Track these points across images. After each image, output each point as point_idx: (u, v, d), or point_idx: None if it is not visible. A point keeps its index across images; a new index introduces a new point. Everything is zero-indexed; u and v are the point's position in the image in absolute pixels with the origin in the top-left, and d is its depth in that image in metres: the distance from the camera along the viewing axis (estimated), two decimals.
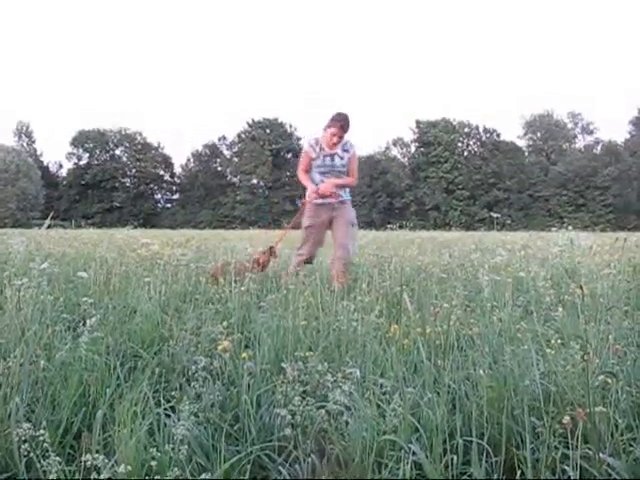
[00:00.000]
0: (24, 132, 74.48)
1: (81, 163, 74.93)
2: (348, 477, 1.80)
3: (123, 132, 76.35)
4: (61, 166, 77.50)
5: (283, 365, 2.40)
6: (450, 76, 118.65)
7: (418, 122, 74.57)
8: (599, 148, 73.07)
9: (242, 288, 4.06)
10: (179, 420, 1.91)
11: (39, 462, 1.69)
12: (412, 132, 75.92)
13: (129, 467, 1.65)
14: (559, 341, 2.70)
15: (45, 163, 75.34)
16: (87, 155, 75.26)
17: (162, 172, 77.71)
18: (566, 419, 1.81)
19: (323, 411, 2.06)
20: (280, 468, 1.87)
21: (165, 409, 2.07)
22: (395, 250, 8.34)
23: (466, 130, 74.86)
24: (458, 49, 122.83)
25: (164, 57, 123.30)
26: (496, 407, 2.11)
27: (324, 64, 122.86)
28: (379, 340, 2.99)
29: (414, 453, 1.79)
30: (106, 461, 1.64)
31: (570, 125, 77.67)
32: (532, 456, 1.80)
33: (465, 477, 1.82)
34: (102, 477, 1.62)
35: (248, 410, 2.09)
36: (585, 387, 2.04)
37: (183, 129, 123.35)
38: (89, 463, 1.63)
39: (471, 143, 75.18)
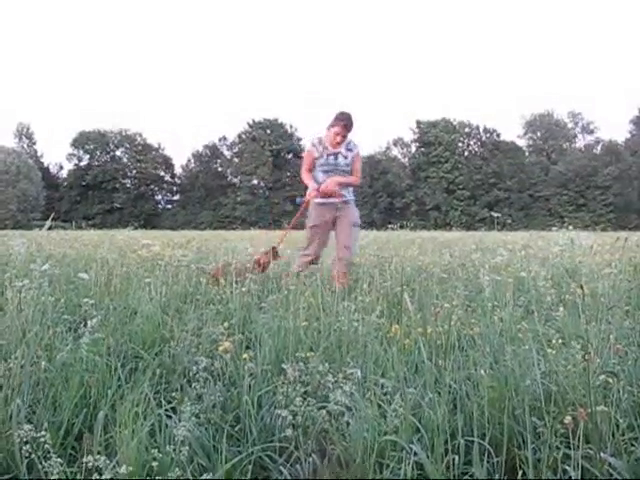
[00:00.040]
0: (24, 133, 74.57)
1: (82, 164, 74.98)
2: (349, 477, 1.79)
3: (123, 133, 76.40)
4: (62, 167, 77.70)
5: (284, 366, 2.40)
6: (450, 76, 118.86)
7: (418, 122, 74.62)
8: (599, 148, 73.03)
9: (243, 289, 4.06)
10: (180, 421, 1.91)
11: (40, 463, 1.70)
12: (412, 132, 76.03)
13: (130, 468, 1.65)
14: (560, 341, 2.70)
15: (46, 164, 75.40)
16: (87, 156, 75.33)
17: (162, 173, 77.75)
18: (567, 419, 1.81)
19: (324, 412, 2.06)
20: (281, 469, 1.87)
21: (166, 410, 2.07)
22: (396, 250, 8.33)
23: (466, 130, 74.86)
24: (458, 49, 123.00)
25: (164, 57, 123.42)
26: (497, 407, 2.11)
27: (324, 64, 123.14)
28: (380, 340, 2.99)
29: (415, 453, 1.79)
30: (107, 462, 1.64)
31: (570, 125, 77.68)
32: (533, 456, 1.80)
33: (466, 477, 1.82)
34: (104, 478, 1.62)
35: (249, 411, 2.09)
36: (586, 387, 2.04)
37: (183, 130, 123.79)
38: (90, 464, 1.63)
39: (471, 143, 75.19)
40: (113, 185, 73.29)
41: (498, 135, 74.82)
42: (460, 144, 74.01)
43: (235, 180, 75.25)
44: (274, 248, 5.68)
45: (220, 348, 2.58)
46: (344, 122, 5.34)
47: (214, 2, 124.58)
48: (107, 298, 4.09)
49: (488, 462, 1.80)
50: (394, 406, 2.03)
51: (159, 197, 77.90)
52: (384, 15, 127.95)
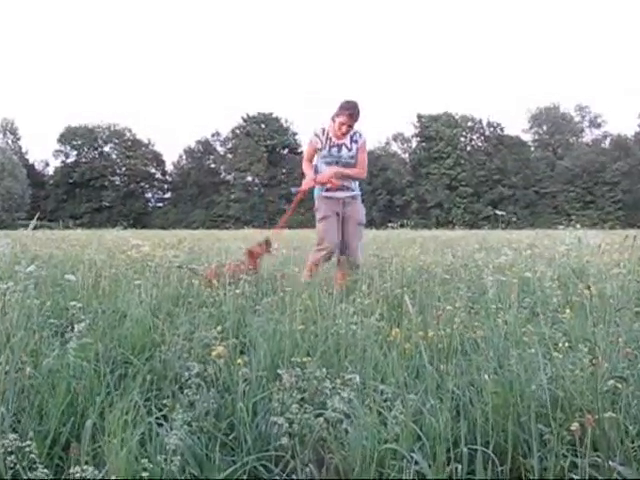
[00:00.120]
0: (9, 129, 74.51)
1: (68, 161, 74.99)
2: None
3: (112, 128, 76.37)
4: (48, 164, 77.68)
5: (280, 371, 2.40)
6: (452, 69, 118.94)
7: (419, 116, 74.74)
8: (608, 142, 73.28)
9: (237, 291, 4.06)
10: (172, 429, 1.90)
11: (26, 474, 1.69)
12: (413, 126, 76.20)
13: (120, 478, 1.65)
14: (567, 344, 2.70)
15: (31, 161, 75.42)
16: (75, 152, 75.35)
17: (153, 170, 77.74)
18: (574, 426, 1.81)
19: (322, 419, 2.06)
20: (277, 479, 1.87)
21: (157, 418, 2.06)
22: (396, 250, 8.34)
23: (469, 124, 74.99)
24: (460, 41, 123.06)
25: (154, 50, 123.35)
26: (502, 414, 2.11)
27: (322, 56, 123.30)
28: (379, 344, 2.98)
29: (416, 462, 1.80)
30: (96, 472, 1.64)
31: (577, 118, 77.84)
32: (539, 465, 1.80)
33: None
34: None
35: (243, 418, 2.08)
36: (594, 392, 2.05)
37: (174, 125, 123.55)
38: (78, 475, 1.63)
39: (474, 138, 75.32)
40: (101, 183, 73.27)
41: (502, 129, 75.02)
42: (462, 139, 74.14)
43: (229, 177, 75.30)
44: (267, 240, 5.68)
45: (213, 353, 2.57)
46: (349, 111, 5.21)
47: None
48: (95, 301, 4.08)
49: (492, 471, 1.81)
50: (394, 413, 2.03)
51: (149, 195, 77.94)
52: (385, 6, 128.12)
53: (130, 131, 76.93)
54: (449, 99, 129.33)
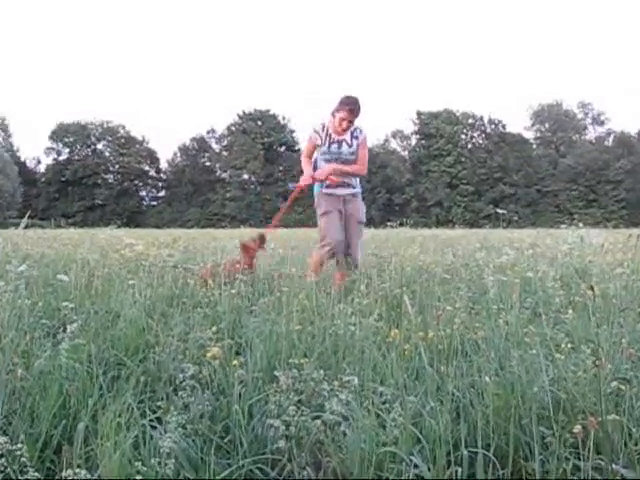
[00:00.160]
0: (0, 126, 74.24)
1: (61, 158, 74.87)
2: None
3: (105, 125, 76.26)
4: (39, 162, 77.53)
5: (276, 373, 2.40)
6: (452, 65, 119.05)
7: (419, 113, 74.74)
8: (611, 139, 73.42)
9: (232, 291, 4.06)
10: (166, 432, 1.90)
11: (17, 478, 1.69)
12: (413, 123, 76.19)
13: None
14: (569, 345, 2.70)
15: (22, 159, 75.22)
16: (67, 150, 75.23)
17: (147, 168, 77.67)
18: (577, 428, 1.81)
19: (319, 421, 2.05)
20: None
21: (151, 420, 2.06)
22: (395, 249, 8.34)
23: (470, 121, 75.02)
24: (460, 37, 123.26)
25: (147, 47, 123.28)
26: (503, 416, 2.11)
27: (320, 53, 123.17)
28: (378, 345, 2.98)
29: (416, 465, 1.80)
30: (88, 476, 1.64)
31: (580, 115, 77.93)
32: (541, 468, 1.80)
33: None
34: None
35: (239, 421, 2.08)
36: (597, 394, 2.05)
37: (169, 122, 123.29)
38: (70, 478, 1.63)
39: (475, 135, 75.39)
40: (94, 180, 73.16)
41: (504, 126, 75.06)
42: (463, 136, 74.18)
43: (224, 175, 75.25)
44: (262, 235, 5.67)
45: (208, 354, 2.57)
46: (350, 107, 5.18)
47: None
48: (88, 301, 4.08)
49: (493, 474, 1.81)
50: (393, 415, 2.03)
51: (143, 193, 77.89)
52: (385, 1, 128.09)
53: (124, 128, 76.91)
54: (449, 96, 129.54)
